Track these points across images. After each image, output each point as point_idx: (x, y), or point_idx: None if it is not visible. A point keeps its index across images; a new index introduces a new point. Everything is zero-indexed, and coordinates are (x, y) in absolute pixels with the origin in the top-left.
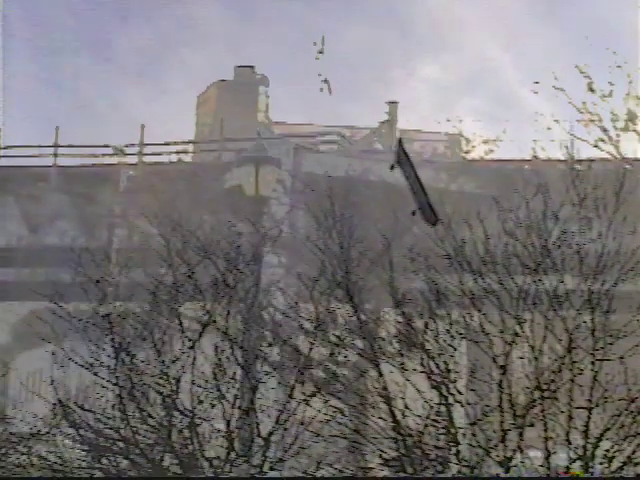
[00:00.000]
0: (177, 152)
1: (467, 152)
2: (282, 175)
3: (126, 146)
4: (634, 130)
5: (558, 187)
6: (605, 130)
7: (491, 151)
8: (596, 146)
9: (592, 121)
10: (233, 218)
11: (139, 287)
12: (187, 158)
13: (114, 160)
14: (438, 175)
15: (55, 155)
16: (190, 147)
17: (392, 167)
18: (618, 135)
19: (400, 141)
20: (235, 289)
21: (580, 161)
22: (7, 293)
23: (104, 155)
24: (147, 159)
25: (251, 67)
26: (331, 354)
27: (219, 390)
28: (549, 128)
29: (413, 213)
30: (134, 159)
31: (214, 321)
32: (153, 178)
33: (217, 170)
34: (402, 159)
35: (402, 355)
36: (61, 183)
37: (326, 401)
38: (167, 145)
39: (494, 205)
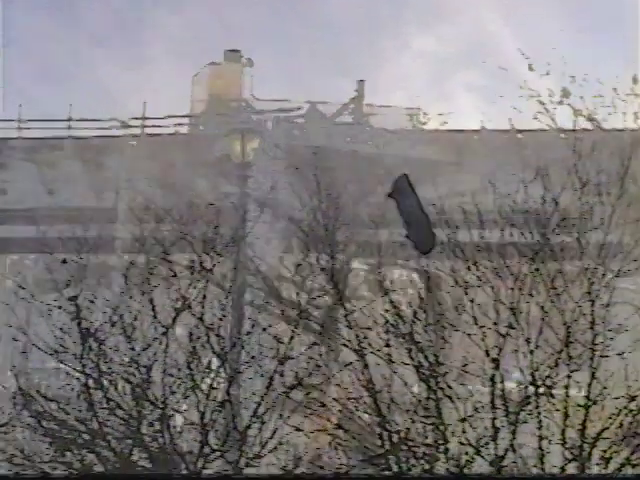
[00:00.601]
0: (175, 124)
1: (424, 124)
2: (264, 144)
3: (130, 119)
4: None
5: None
6: (543, 103)
7: (445, 123)
8: (535, 118)
9: (532, 97)
10: (222, 182)
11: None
12: (183, 130)
13: (120, 132)
14: (401, 143)
15: (69, 128)
16: (186, 120)
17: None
18: (555, 108)
19: (406, 175)
20: (212, 272)
21: (521, 131)
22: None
23: (111, 128)
24: (148, 131)
25: (238, 51)
26: (313, 344)
27: (193, 380)
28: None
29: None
30: (137, 131)
31: (189, 307)
32: (153, 148)
33: (208, 141)
34: (402, 189)
35: (389, 346)
36: (74, 152)
37: (307, 393)
38: (166, 119)
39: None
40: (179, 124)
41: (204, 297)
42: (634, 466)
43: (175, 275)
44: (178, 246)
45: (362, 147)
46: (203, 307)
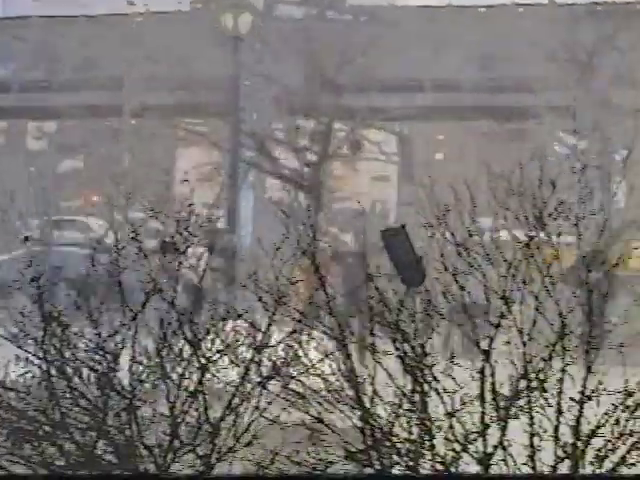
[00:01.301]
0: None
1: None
2: (255, 18)
3: None
4: None
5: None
6: None
7: None
8: None
9: None
10: (219, 51)
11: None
12: (185, 8)
13: (128, 10)
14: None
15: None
16: None
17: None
18: None
19: (403, 226)
20: (185, 254)
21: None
22: None
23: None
24: (152, 9)
25: None
26: (293, 332)
27: (163, 368)
28: None
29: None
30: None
31: (160, 290)
32: (157, 24)
33: (207, 16)
34: (397, 238)
35: (373, 335)
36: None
37: (285, 385)
38: None
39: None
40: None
41: (176, 281)
42: (630, 465)
43: (146, 257)
44: (148, 230)
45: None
46: (175, 291)
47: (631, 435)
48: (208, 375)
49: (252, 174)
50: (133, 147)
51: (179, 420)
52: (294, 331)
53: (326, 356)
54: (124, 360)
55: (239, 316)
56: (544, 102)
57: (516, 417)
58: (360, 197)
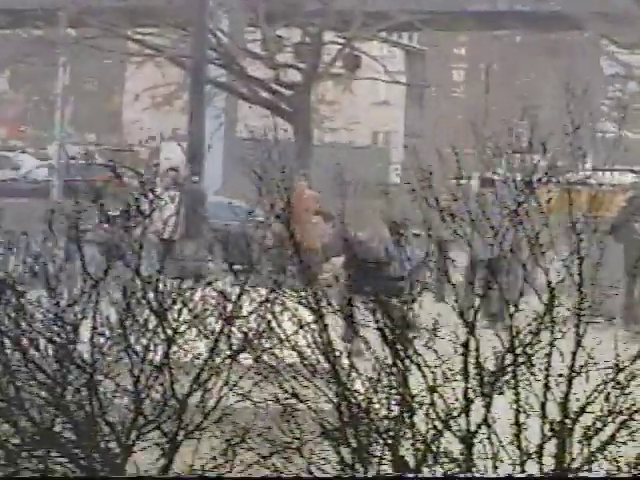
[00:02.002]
0: None
1: None
2: None
3: None
4: None
5: None
6: None
7: None
8: None
9: None
10: None
11: None
12: None
13: None
14: None
15: None
16: None
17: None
18: None
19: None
20: (150, 218)
21: None
22: None
23: None
24: None
25: None
26: (265, 301)
27: (126, 340)
28: None
29: None
30: None
31: (123, 257)
32: None
33: None
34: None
35: (351, 305)
36: None
37: (257, 358)
38: None
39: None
40: None
41: (141, 247)
42: (620, 444)
43: (108, 220)
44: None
45: None
46: (140, 258)
47: (621, 413)
48: (175, 348)
49: (221, 98)
50: (71, 64)
51: (143, 395)
52: (267, 300)
53: (301, 327)
54: (84, 331)
55: (208, 284)
56: (593, 7)
57: (501, 393)
58: (357, 127)
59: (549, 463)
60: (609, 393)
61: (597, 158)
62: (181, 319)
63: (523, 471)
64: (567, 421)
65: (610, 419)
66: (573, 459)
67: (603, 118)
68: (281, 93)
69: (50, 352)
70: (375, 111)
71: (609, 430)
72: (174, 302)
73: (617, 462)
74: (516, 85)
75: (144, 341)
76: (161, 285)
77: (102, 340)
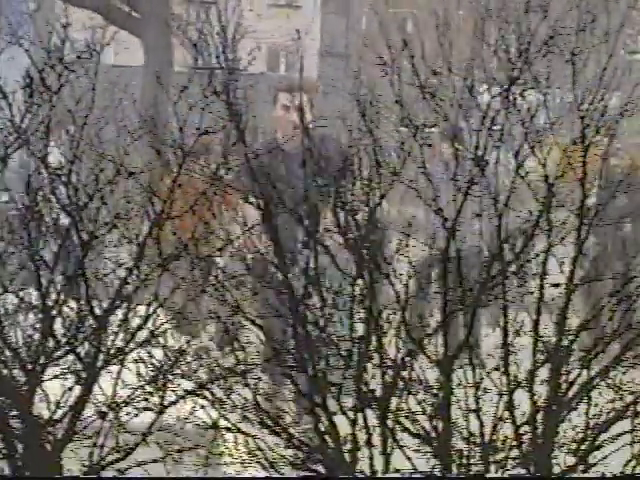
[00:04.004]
0: None
1: None
2: None
3: None
4: None
5: None
6: None
7: None
8: None
9: None
10: None
11: None
12: None
13: None
14: None
15: None
16: None
17: None
18: None
19: None
20: (59, 95)
21: None
22: None
23: None
24: None
25: None
26: (202, 194)
27: (32, 246)
28: None
29: None
30: None
31: (27, 142)
32: None
33: None
34: None
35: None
36: None
37: (193, 266)
38: None
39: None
40: None
41: (47, 128)
42: (625, 368)
43: (5, 97)
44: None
45: None
46: (47, 144)
47: (629, 328)
48: (92, 254)
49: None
50: None
51: (54, 313)
52: (203, 194)
53: (248, 230)
54: None
55: (131, 174)
56: None
57: (486, 305)
58: (246, 44)
59: (541, 392)
60: (614, 308)
61: None
62: (99, 220)
63: (510, 401)
64: (564, 342)
65: (614, 339)
66: (570, 386)
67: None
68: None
69: None
70: (272, 16)
71: (612, 352)
72: (90, 198)
73: (619, 388)
74: None
75: (54, 246)
76: (75, 177)
77: (1, 245)
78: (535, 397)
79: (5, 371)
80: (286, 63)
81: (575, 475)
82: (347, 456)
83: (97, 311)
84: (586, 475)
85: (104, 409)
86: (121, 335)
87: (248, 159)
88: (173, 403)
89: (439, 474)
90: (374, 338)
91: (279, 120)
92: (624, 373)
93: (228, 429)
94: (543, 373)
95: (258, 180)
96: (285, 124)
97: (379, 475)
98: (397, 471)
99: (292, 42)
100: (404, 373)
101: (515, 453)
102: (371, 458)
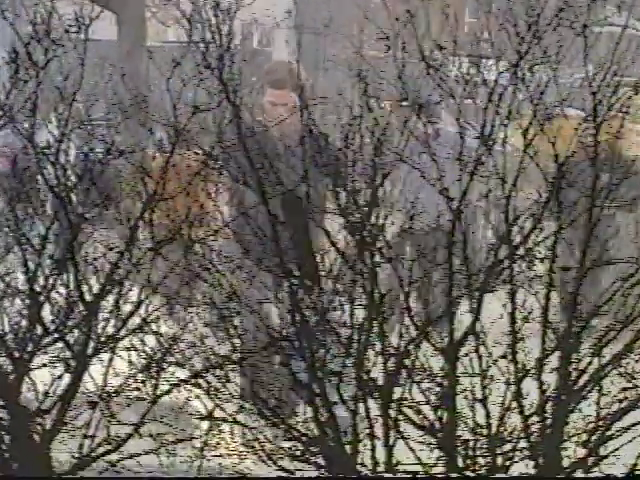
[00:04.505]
0: None
1: None
2: None
3: None
4: None
5: None
6: None
7: None
8: None
9: None
10: None
11: None
12: None
13: None
14: None
15: None
16: None
17: None
18: None
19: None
20: (46, 70)
21: None
22: None
23: None
24: None
25: None
26: (197, 174)
27: (18, 229)
28: None
29: None
30: None
31: (11, 119)
32: None
33: None
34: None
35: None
36: None
37: (187, 249)
38: None
39: None
40: None
41: (34, 105)
42: (638, 357)
43: None
44: None
45: None
46: (33, 122)
47: None
48: (81, 237)
49: None
50: None
51: (42, 299)
52: (198, 173)
53: (242, 214)
54: None
55: (121, 154)
56: None
57: (492, 290)
58: None
59: (550, 381)
60: (627, 293)
61: None
62: (89, 201)
63: (518, 390)
64: (574, 329)
65: (628, 324)
66: (580, 374)
67: None
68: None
69: None
70: None
71: (624, 339)
72: (80, 179)
73: (632, 377)
74: None
75: (41, 229)
76: (63, 157)
77: None
78: (544, 386)
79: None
80: (260, 38)
81: (581, 475)
82: (348, 448)
83: (87, 297)
84: (589, 475)
85: (95, 399)
86: (112, 322)
87: (242, 137)
88: (167, 393)
89: (443, 467)
90: (376, 324)
91: (266, 111)
92: (637, 361)
93: (224, 420)
94: (553, 361)
95: (253, 159)
96: (272, 115)
97: (381, 467)
98: (399, 464)
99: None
100: (407, 361)
101: (523, 444)
102: (373, 450)
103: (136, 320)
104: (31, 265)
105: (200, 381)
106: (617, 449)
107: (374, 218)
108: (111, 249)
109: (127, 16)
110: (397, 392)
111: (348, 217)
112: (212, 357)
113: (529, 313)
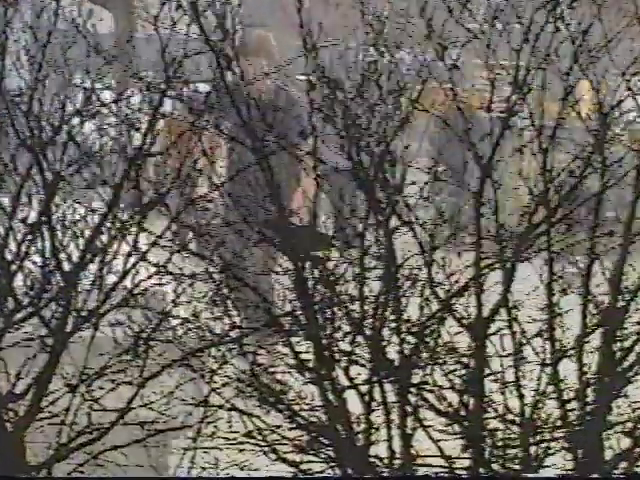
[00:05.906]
0: None
1: None
2: None
3: None
4: None
5: None
6: None
7: None
8: None
9: None
10: None
11: None
12: None
13: None
14: None
15: None
16: None
17: None
18: None
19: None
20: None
21: None
22: None
23: None
24: None
25: None
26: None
27: None
28: None
29: None
30: None
31: None
32: None
33: None
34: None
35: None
36: None
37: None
38: None
39: None
40: None
41: (3, 47)
42: None
43: None
44: None
45: None
46: (2, 67)
47: None
48: (58, 199)
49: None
50: None
51: (14, 268)
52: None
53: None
54: None
55: (103, 105)
56: None
57: (526, 259)
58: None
59: (592, 362)
60: None
61: None
62: (66, 157)
63: (555, 372)
64: (619, 302)
65: None
66: (626, 354)
67: None
68: None
69: None
70: None
71: None
72: (56, 132)
73: None
74: None
75: (13, 188)
76: (37, 106)
77: None
78: (584, 368)
79: None
80: None
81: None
82: (360, 438)
83: (65, 266)
84: (593, 475)
85: (74, 382)
86: (94, 295)
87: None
88: (155, 375)
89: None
90: (391, 296)
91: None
92: None
93: (221, 406)
94: (595, 339)
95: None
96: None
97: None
98: (419, 456)
99: None
100: (429, 339)
101: (560, 434)
102: (389, 440)
103: (121, 293)
104: (1, 229)
105: (193, 362)
106: None
107: (390, 176)
108: (92, 211)
109: (120, 12)
110: (416, 375)
111: (360, 175)
112: (207, 335)
113: (568, 285)
